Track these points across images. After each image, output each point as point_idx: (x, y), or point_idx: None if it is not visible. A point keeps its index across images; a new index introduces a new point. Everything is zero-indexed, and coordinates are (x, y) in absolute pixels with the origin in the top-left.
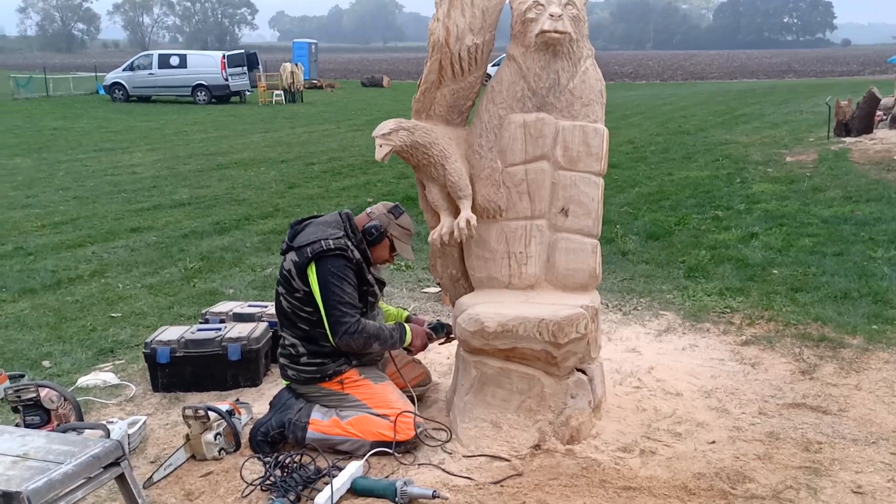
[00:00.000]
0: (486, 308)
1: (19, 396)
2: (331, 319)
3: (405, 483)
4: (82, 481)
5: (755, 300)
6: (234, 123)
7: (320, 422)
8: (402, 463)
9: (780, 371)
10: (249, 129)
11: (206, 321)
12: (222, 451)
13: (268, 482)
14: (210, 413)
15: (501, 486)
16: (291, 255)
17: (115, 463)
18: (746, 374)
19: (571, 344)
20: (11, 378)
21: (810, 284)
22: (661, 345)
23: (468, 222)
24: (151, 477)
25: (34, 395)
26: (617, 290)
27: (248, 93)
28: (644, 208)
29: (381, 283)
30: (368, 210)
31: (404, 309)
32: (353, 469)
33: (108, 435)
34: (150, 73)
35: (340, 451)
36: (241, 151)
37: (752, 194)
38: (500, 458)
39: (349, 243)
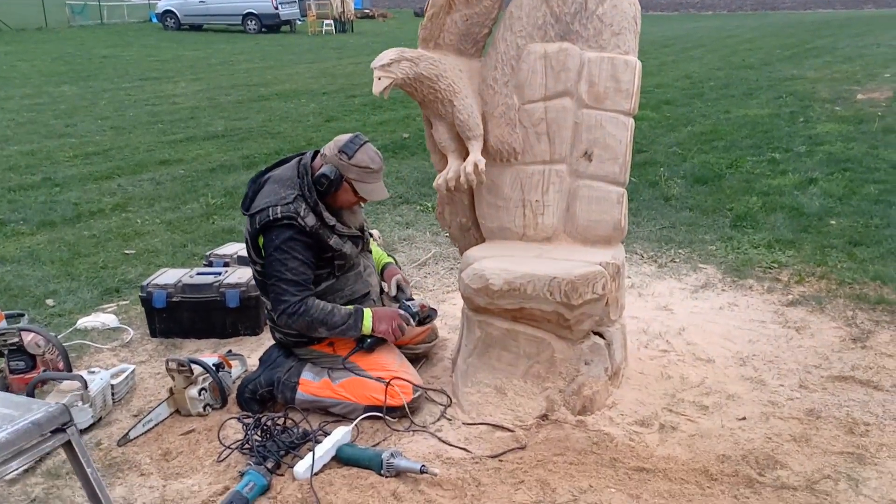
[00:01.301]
0: (492, 263)
1: (4, 341)
2: (271, 296)
3: (392, 454)
4: (17, 450)
5: (807, 254)
6: (281, 53)
7: (311, 383)
8: (394, 430)
9: (829, 337)
10: (295, 59)
11: (210, 264)
12: (207, 407)
13: (246, 446)
14: (194, 366)
15: (500, 460)
16: (246, 223)
17: (61, 429)
18: (789, 340)
19: (586, 305)
20: (9, 317)
21: (871, 238)
22: (696, 303)
23: (476, 166)
24: (128, 434)
25: (17, 339)
26: (654, 240)
27: (298, 22)
28: (694, 149)
29: (358, 236)
30: (322, 150)
31: (391, 257)
32: (338, 435)
33: (85, 386)
34: (202, 1)
35: (332, 414)
36: (283, 82)
37: (816, 135)
38: (503, 428)
39: (302, 207)
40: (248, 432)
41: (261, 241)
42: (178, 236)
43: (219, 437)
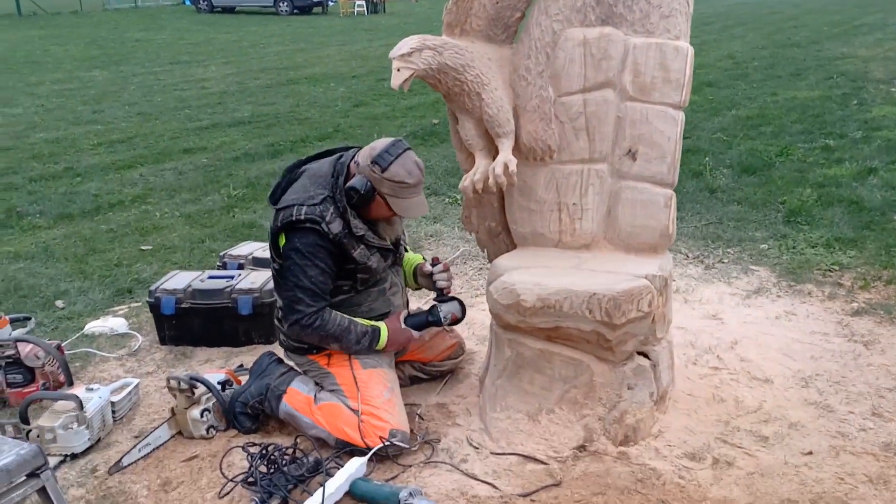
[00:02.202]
0: (523, 276)
1: (0, 352)
2: (284, 303)
3: (411, 493)
4: None
5: (871, 255)
6: (312, 35)
7: (297, 395)
8: (414, 461)
9: None
10: (326, 41)
11: (224, 265)
12: (211, 430)
13: (250, 479)
14: (196, 385)
15: (532, 500)
16: (272, 216)
17: (34, 474)
18: (857, 357)
19: (630, 325)
20: (14, 321)
21: None
22: (749, 311)
23: (506, 167)
24: (120, 461)
25: (13, 352)
26: (700, 237)
27: (330, 3)
28: (740, 135)
29: (390, 249)
30: (355, 158)
31: (422, 257)
32: (352, 468)
33: (80, 407)
34: None
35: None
36: (313, 66)
37: (872, 119)
38: (536, 460)
39: (329, 211)
40: (253, 464)
41: (282, 240)
42: (196, 231)
43: (220, 467)
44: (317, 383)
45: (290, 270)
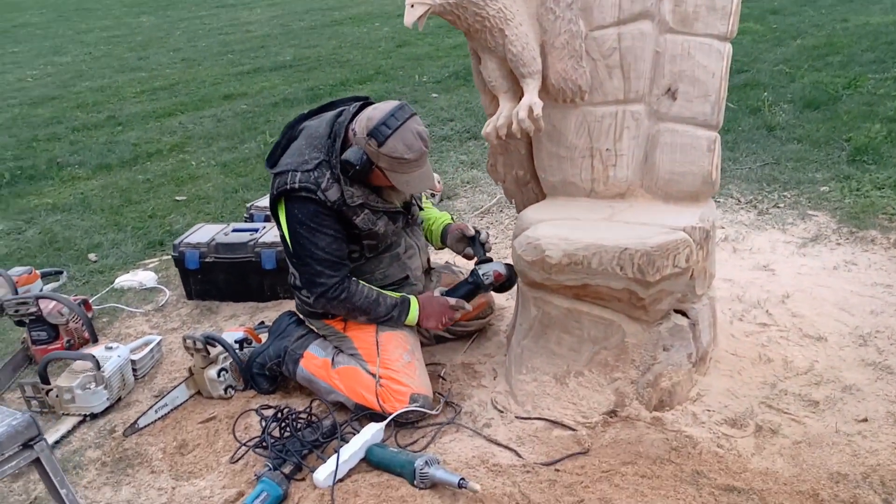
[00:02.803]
0: (550, 229)
1: (17, 310)
2: (303, 277)
3: (427, 462)
4: None
5: None
6: None
7: (315, 358)
8: (435, 422)
9: None
10: None
11: (251, 217)
12: (229, 390)
13: (262, 445)
14: (212, 345)
15: (557, 469)
16: (271, 180)
17: (28, 445)
18: None
19: (666, 282)
20: (45, 276)
21: None
22: (804, 261)
23: (531, 111)
24: (136, 423)
25: (35, 309)
26: (754, 179)
27: None
28: (805, 66)
29: (399, 212)
30: (354, 123)
31: (450, 216)
32: (368, 434)
33: (97, 367)
34: None
35: (334, 402)
36: (358, 5)
37: None
38: (563, 426)
39: (325, 177)
40: (266, 429)
41: (280, 208)
42: (231, 180)
43: (233, 432)
44: (335, 346)
45: (300, 244)
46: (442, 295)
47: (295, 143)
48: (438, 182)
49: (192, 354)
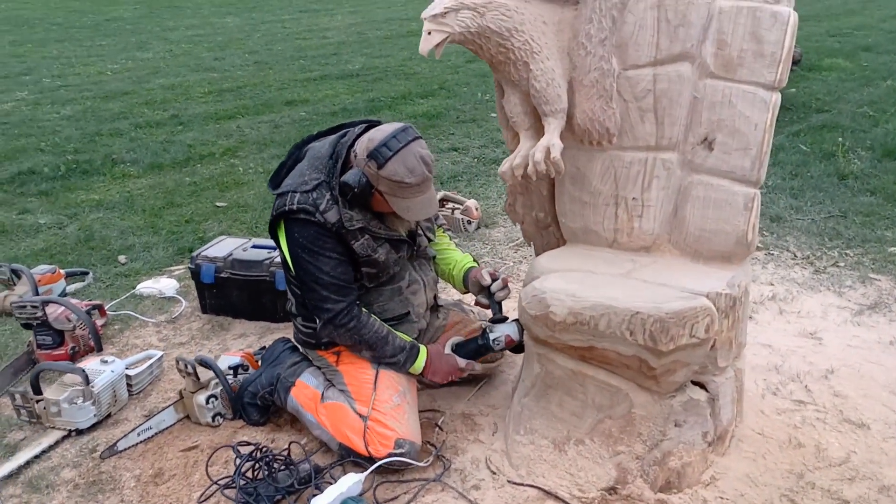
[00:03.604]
0: (558, 282)
1: (32, 314)
2: (310, 303)
3: None
4: None
5: None
6: None
7: (306, 388)
8: (420, 479)
9: None
10: None
11: None
12: (218, 418)
13: (230, 486)
14: (203, 370)
15: None
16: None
17: None
18: None
19: (681, 352)
20: (70, 276)
21: None
22: (857, 331)
23: (548, 152)
24: (115, 445)
25: (41, 313)
26: (815, 233)
27: None
28: (892, 111)
29: (404, 240)
30: (354, 146)
31: (472, 259)
32: (345, 486)
33: (86, 381)
34: None
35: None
36: None
37: None
38: (557, 498)
39: (324, 198)
40: (238, 469)
41: (280, 231)
42: None
43: (207, 467)
44: (327, 379)
45: (303, 269)
46: (455, 347)
47: (299, 165)
48: (476, 209)
49: (183, 377)
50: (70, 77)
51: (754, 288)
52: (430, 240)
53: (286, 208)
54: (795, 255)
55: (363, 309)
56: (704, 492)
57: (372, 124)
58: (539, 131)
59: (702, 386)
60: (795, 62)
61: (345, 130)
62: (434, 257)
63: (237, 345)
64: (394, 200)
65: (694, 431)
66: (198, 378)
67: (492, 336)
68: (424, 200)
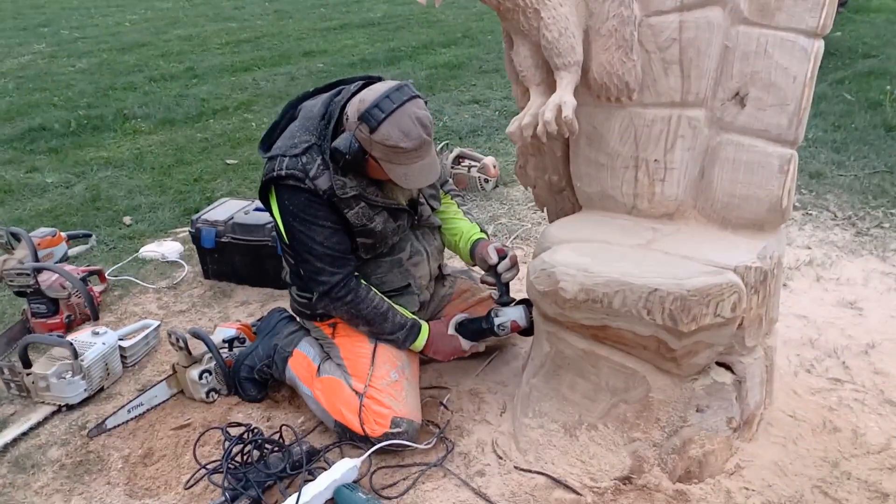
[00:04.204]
0: (570, 255)
1: (12, 282)
2: (305, 274)
3: None
4: None
5: None
6: None
7: (303, 358)
8: (421, 463)
9: None
10: None
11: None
12: (212, 394)
13: (220, 472)
14: (195, 344)
15: None
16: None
17: None
18: None
19: (704, 332)
20: (72, 239)
21: None
22: None
23: (559, 111)
24: (104, 423)
25: (33, 281)
26: (858, 190)
27: None
28: None
29: (403, 209)
30: (347, 109)
31: (481, 229)
32: (339, 472)
33: (74, 355)
34: None
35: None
36: None
37: None
38: (566, 487)
39: (315, 163)
40: (227, 453)
41: (272, 197)
42: None
43: (195, 449)
44: (325, 351)
45: (296, 239)
46: (458, 325)
47: (291, 126)
48: (494, 166)
49: (176, 351)
50: (88, 28)
51: (790, 251)
52: (433, 209)
53: (274, 174)
54: (836, 216)
55: (362, 281)
56: (728, 482)
57: (371, 81)
58: (551, 87)
59: (727, 367)
60: (841, 3)
61: (339, 88)
62: (439, 226)
63: (239, 313)
64: (389, 167)
65: (717, 417)
66: (189, 352)
67: (496, 321)
68: (424, 166)
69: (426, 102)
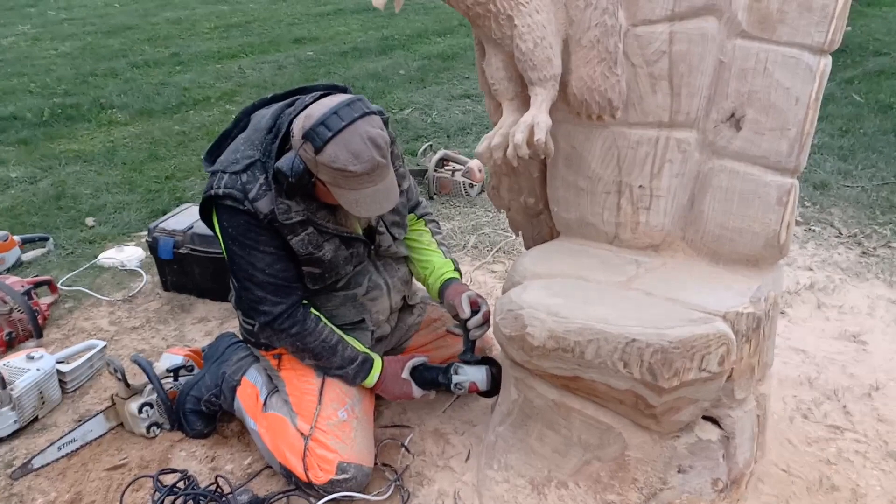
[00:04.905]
0: (540, 295)
1: None
2: (246, 302)
3: None
4: None
5: None
6: None
7: (251, 387)
8: None
9: None
10: None
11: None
12: (153, 429)
13: None
14: (134, 374)
15: None
16: None
17: None
18: None
19: (688, 388)
20: (28, 242)
21: None
22: None
23: (532, 132)
24: (30, 462)
25: None
26: (866, 204)
27: None
28: None
29: (357, 238)
30: (293, 125)
31: (454, 267)
32: None
33: (2, 384)
34: None
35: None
36: None
37: None
38: None
39: (257, 183)
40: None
41: (213, 215)
42: None
43: (121, 499)
44: (273, 382)
45: (235, 264)
46: (414, 370)
47: (239, 137)
48: (480, 170)
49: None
50: (76, 9)
51: (789, 273)
52: (395, 237)
53: (212, 192)
54: (840, 233)
55: (311, 311)
56: None
57: (332, 91)
58: (526, 102)
59: (714, 421)
60: None
61: (294, 98)
62: (404, 257)
63: (195, 331)
64: (338, 192)
65: (702, 478)
66: (127, 384)
67: (455, 379)
68: (378, 192)
69: (386, 121)
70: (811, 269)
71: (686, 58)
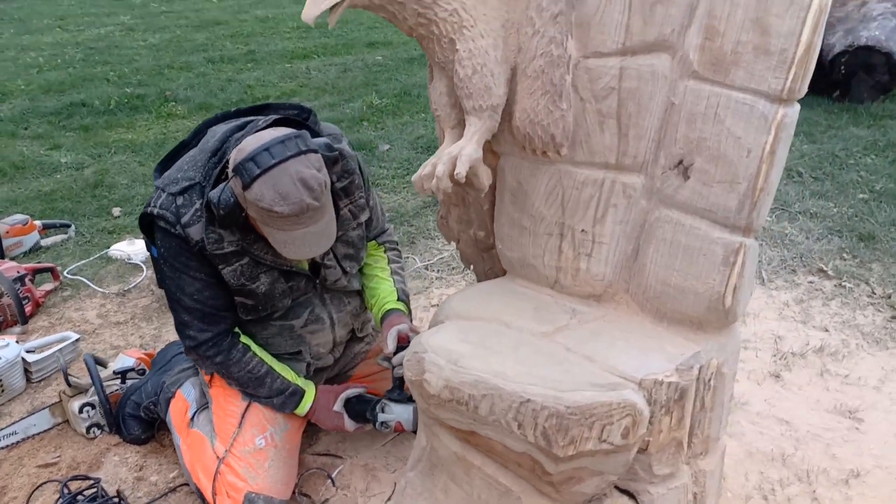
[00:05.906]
0: (449, 339)
1: None
2: (175, 324)
3: None
4: None
5: None
6: None
7: (183, 401)
8: None
9: None
10: None
11: None
12: (94, 430)
13: None
14: (76, 375)
15: None
16: None
17: None
18: None
19: (587, 459)
20: (48, 227)
21: None
22: None
23: (454, 165)
24: None
25: None
26: (846, 217)
27: None
28: None
29: (307, 273)
30: (231, 154)
31: (400, 298)
32: None
33: None
34: None
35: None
36: None
37: None
38: None
39: (192, 207)
40: None
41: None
42: None
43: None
44: (205, 399)
45: (165, 283)
46: (348, 401)
47: (188, 153)
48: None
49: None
50: (177, 2)
51: (800, 333)
52: (345, 271)
53: (148, 209)
54: (874, 292)
55: (240, 340)
56: None
57: (294, 115)
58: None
59: (631, 496)
60: None
61: (249, 119)
62: (359, 289)
63: (173, 333)
64: (267, 231)
65: None
66: (69, 383)
67: (380, 417)
68: (308, 235)
69: (335, 158)
70: (826, 331)
71: (635, 96)
